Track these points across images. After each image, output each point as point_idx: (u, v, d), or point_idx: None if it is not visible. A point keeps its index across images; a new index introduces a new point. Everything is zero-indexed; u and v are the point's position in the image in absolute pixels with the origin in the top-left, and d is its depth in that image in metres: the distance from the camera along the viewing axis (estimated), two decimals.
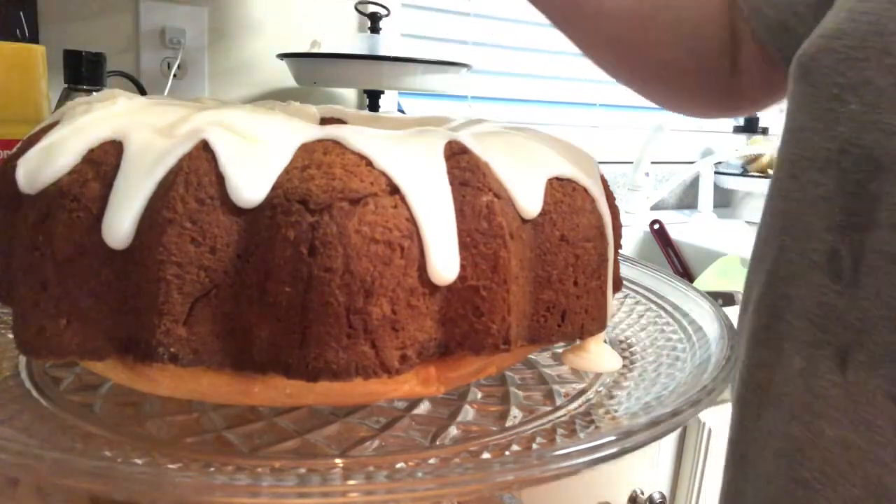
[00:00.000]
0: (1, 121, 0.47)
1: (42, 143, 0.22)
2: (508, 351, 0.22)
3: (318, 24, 1.03)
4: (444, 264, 0.21)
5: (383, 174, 0.21)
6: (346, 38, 0.97)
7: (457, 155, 0.22)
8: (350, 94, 1.07)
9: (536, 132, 0.28)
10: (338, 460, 0.22)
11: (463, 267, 0.21)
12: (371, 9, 1.00)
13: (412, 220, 0.21)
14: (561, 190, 0.24)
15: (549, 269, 0.24)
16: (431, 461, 0.22)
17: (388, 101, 1.06)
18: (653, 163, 1.34)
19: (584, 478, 0.86)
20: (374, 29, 0.99)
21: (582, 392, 0.27)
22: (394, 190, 0.21)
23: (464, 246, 0.21)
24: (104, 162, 0.21)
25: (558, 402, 0.27)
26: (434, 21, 1.24)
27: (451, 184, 0.22)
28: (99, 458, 0.20)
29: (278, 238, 0.20)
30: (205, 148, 0.21)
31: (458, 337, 0.22)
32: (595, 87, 1.51)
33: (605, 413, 0.26)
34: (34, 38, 0.78)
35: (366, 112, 0.39)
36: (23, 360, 0.27)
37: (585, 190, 0.25)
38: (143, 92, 0.83)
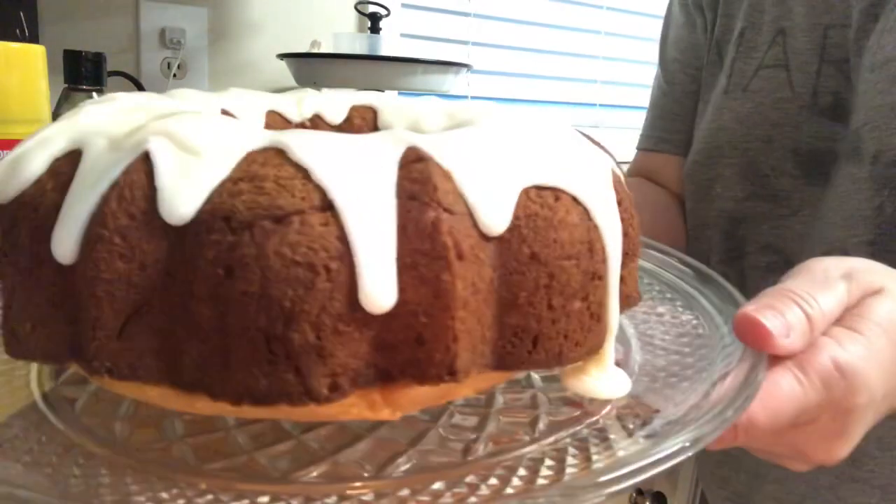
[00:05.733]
0: (1, 121, 0.47)
1: (12, 153, 0.23)
2: (455, 381, 0.20)
3: (318, 24, 1.04)
4: (378, 289, 0.19)
5: (318, 188, 0.19)
6: (346, 38, 0.97)
7: (411, 164, 0.20)
8: None
9: (543, 128, 0.25)
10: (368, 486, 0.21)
11: (403, 290, 0.19)
12: (371, 9, 1.00)
13: (344, 240, 0.19)
14: (539, 201, 0.22)
15: (515, 290, 0.21)
16: (470, 479, 0.21)
17: None
18: None
19: None
20: (374, 29, 0.99)
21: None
22: (326, 206, 0.19)
23: (405, 267, 0.19)
24: (63, 172, 0.21)
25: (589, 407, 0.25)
26: (434, 21, 1.23)
27: (399, 197, 0.20)
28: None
29: (199, 257, 0.19)
30: (145, 160, 0.20)
31: (400, 364, 0.20)
32: (595, 87, 1.51)
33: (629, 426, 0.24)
34: (34, 38, 0.78)
35: (401, 99, 0.37)
36: (34, 382, 0.27)
37: (574, 199, 0.23)
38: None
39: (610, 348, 0.25)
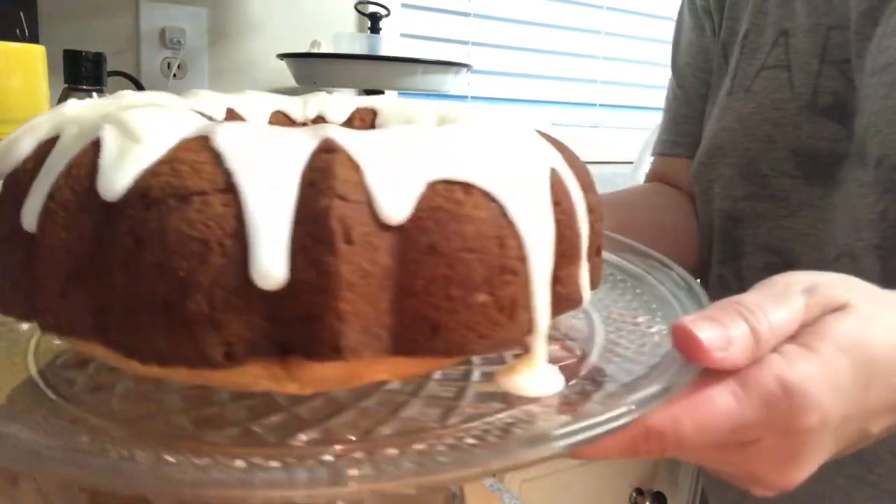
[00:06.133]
0: (1, 121, 0.47)
1: (8, 137, 0.26)
2: (342, 360, 0.21)
3: (318, 24, 1.04)
4: (268, 267, 0.20)
5: (226, 172, 0.21)
6: (346, 38, 0.97)
7: (320, 154, 0.22)
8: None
9: (498, 127, 0.26)
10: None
11: (295, 270, 0.21)
12: (371, 9, 1.00)
13: (241, 220, 0.21)
14: (445, 194, 0.22)
15: (413, 278, 0.22)
16: (358, 454, 0.22)
17: None
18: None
19: (583, 477, 0.85)
20: (374, 29, 0.99)
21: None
22: (229, 188, 0.21)
23: (297, 249, 0.21)
24: (43, 153, 0.25)
25: (515, 404, 0.25)
26: (434, 21, 1.24)
27: (301, 184, 0.21)
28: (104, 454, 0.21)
29: (118, 229, 0.22)
30: (96, 145, 0.23)
31: (294, 340, 0.21)
32: (595, 88, 1.51)
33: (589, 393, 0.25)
34: (34, 38, 0.78)
35: (403, 101, 0.38)
36: (31, 359, 0.29)
37: (487, 195, 0.23)
38: None
39: (539, 346, 0.25)
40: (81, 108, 0.27)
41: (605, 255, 0.37)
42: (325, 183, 0.21)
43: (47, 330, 0.24)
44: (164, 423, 0.25)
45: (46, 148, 0.25)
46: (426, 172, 0.22)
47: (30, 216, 0.23)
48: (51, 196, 0.23)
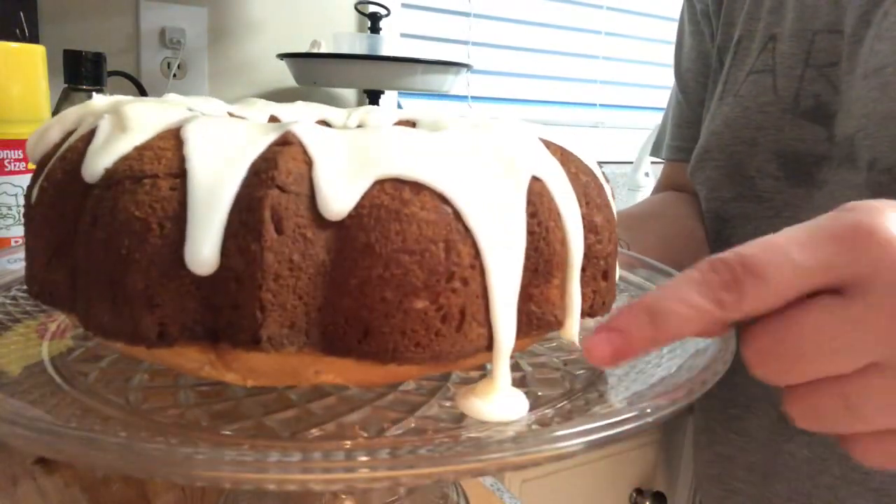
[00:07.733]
0: (1, 121, 0.47)
1: (42, 126, 0.29)
2: (261, 350, 0.21)
3: (318, 24, 1.03)
4: (199, 252, 0.21)
5: (183, 159, 0.22)
6: (346, 38, 0.97)
7: (274, 146, 0.22)
8: (350, 94, 1.07)
9: (487, 131, 0.25)
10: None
11: (227, 257, 0.21)
12: (371, 9, 1.00)
13: (182, 204, 0.21)
14: (391, 193, 0.22)
15: (347, 276, 0.21)
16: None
17: (388, 101, 1.06)
18: (653, 163, 1.34)
19: (583, 477, 0.85)
20: (374, 29, 0.99)
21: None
22: (180, 173, 0.22)
23: (231, 236, 0.21)
24: (63, 140, 0.27)
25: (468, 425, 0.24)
26: (434, 21, 1.23)
27: (249, 174, 0.21)
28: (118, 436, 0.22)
29: (85, 208, 0.23)
30: (92, 132, 0.25)
31: (223, 326, 0.21)
32: (595, 88, 1.50)
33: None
34: (34, 38, 0.78)
35: (443, 113, 0.37)
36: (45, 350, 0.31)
37: (440, 196, 0.22)
38: (143, 92, 0.83)
39: (501, 367, 0.23)
40: (104, 103, 0.29)
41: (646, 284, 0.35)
42: (267, 173, 0.21)
43: (34, 297, 0.26)
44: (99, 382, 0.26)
45: (68, 135, 0.27)
46: (377, 169, 0.22)
47: (33, 193, 0.25)
48: (46, 176, 0.25)
